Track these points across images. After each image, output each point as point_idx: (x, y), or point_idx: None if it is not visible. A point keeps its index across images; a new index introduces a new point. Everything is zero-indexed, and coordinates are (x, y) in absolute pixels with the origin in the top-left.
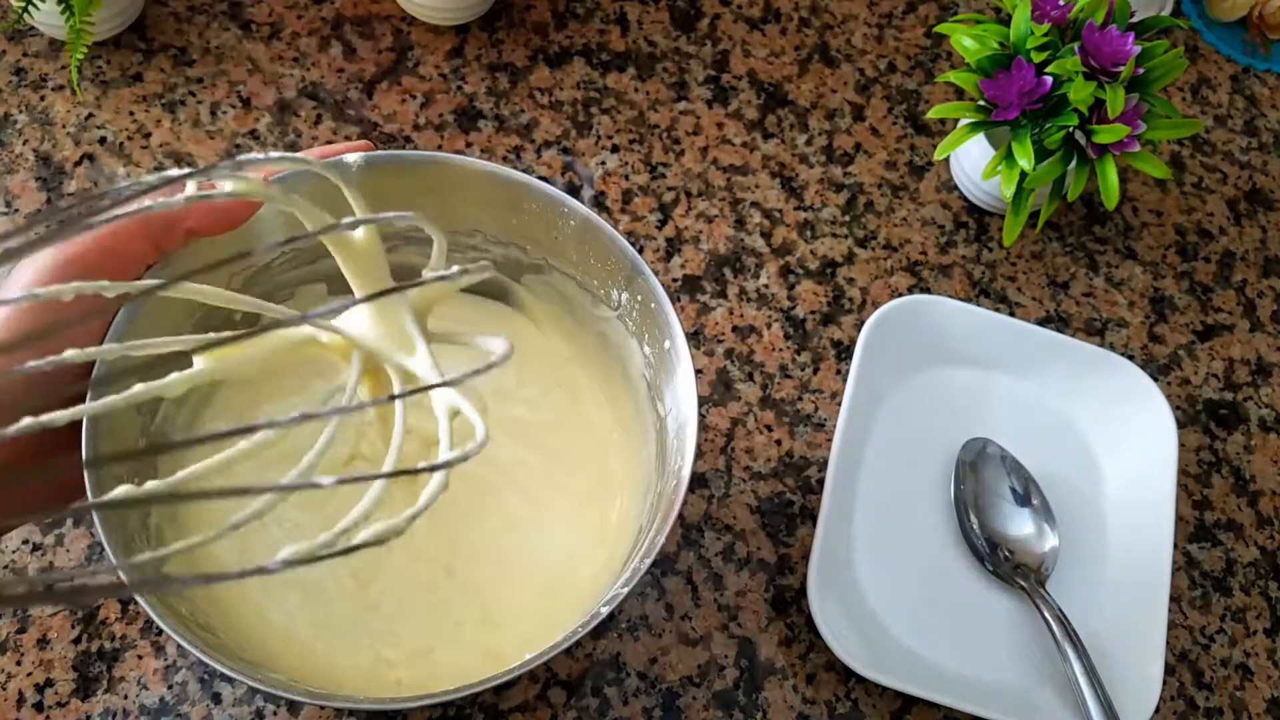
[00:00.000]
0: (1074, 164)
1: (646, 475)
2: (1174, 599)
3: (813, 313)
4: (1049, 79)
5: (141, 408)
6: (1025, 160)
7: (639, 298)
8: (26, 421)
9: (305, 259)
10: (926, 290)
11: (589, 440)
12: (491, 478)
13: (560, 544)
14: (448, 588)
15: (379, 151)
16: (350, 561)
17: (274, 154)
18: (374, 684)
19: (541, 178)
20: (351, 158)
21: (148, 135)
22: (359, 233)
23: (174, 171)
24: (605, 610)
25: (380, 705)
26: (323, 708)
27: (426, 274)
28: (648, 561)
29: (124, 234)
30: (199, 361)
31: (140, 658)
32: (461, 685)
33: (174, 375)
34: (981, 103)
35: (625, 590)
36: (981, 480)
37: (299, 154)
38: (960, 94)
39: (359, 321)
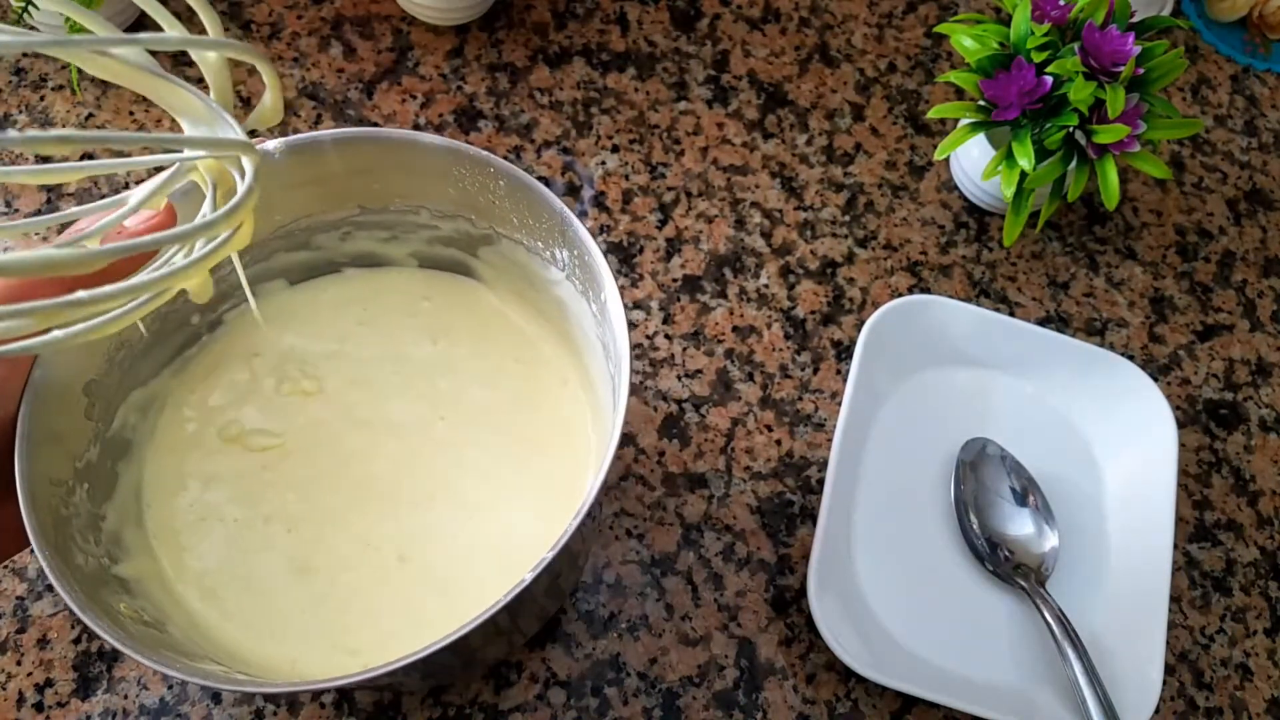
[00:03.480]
0: (1074, 164)
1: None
2: (1174, 599)
3: (813, 313)
4: (1049, 79)
5: (92, 410)
6: (1025, 160)
7: (576, 252)
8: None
9: (259, 256)
10: (926, 290)
11: (553, 415)
12: (442, 460)
13: (524, 525)
14: (400, 576)
15: (296, 135)
16: (290, 552)
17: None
18: (338, 671)
19: (541, 178)
20: (272, 144)
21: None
22: (131, 55)
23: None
24: (530, 576)
25: (329, 684)
26: (322, 705)
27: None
28: (575, 522)
29: (36, 285)
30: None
31: None
32: (413, 651)
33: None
34: (982, 103)
35: (552, 554)
36: (981, 480)
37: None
38: (960, 94)
39: (194, 129)
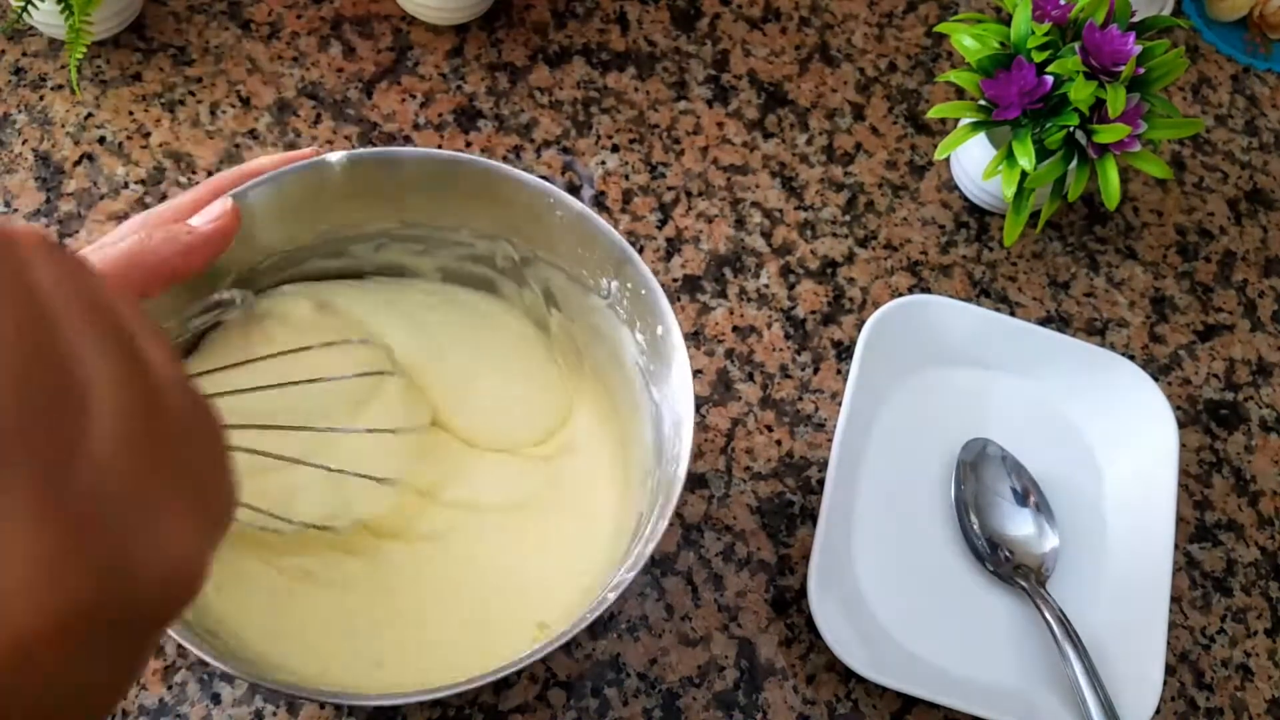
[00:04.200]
0: (1075, 164)
1: (644, 462)
2: (1174, 599)
3: (813, 313)
4: (1050, 78)
5: None
6: (1026, 160)
7: (629, 285)
8: None
9: (294, 260)
10: (927, 290)
11: (568, 436)
12: (459, 473)
13: (541, 543)
14: (418, 590)
15: (362, 149)
16: (309, 562)
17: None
18: (366, 685)
19: (541, 177)
20: (334, 156)
21: (147, 135)
22: None
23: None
24: (612, 596)
25: (377, 700)
26: (322, 705)
27: None
28: (651, 545)
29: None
30: None
31: None
32: (461, 679)
33: None
34: (982, 102)
35: (630, 575)
36: (982, 480)
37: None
38: (961, 93)
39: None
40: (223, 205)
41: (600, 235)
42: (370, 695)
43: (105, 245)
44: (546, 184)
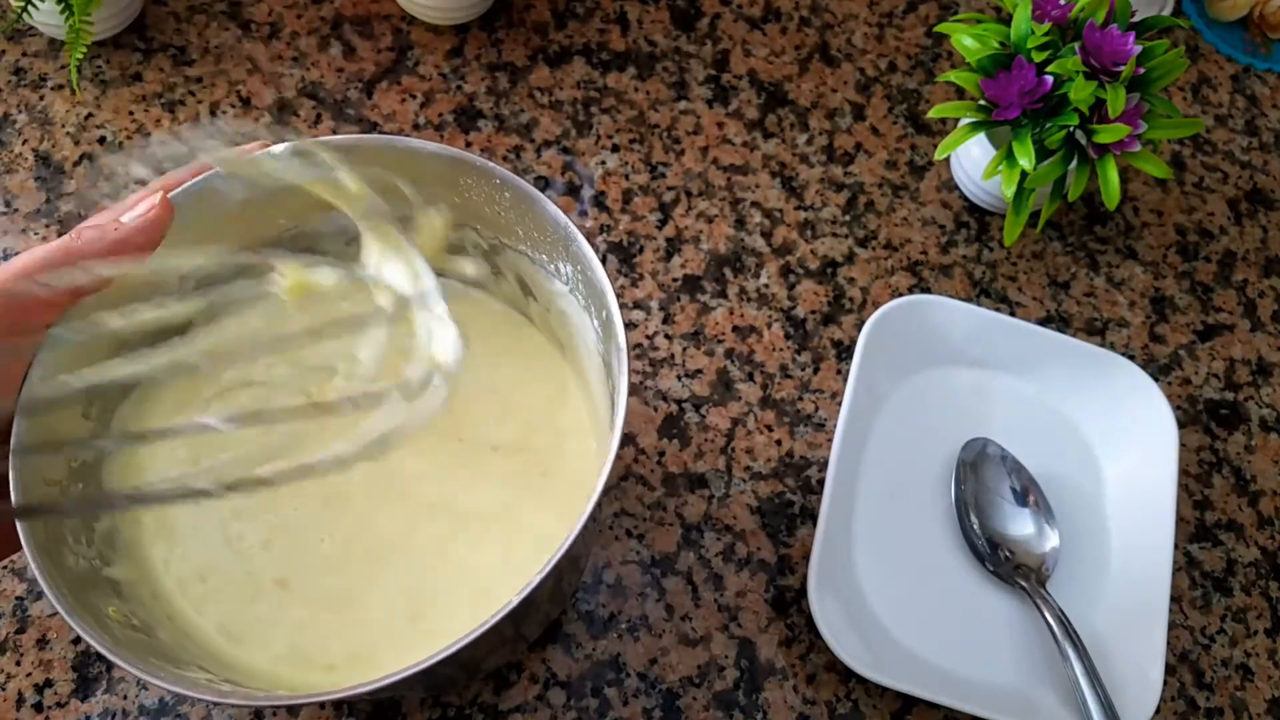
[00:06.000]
0: (1075, 164)
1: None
2: (1174, 599)
3: (813, 313)
4: (1050, 78)
5: (90, 410)
6: (1026, 160)
7: (579, 267)
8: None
9: (259, 254)
10: (927, 290)
11: (552, 424)
12: (431, 470)
13: (521, 533)
14: (385, 590)
15: (301, 141)
16: (271, 562)
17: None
18: (316, 683)
19: (541, 178)
20: (277, 149)
21: (147, 135)
22: (348, 181)
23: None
24: (537, 579)
25: (315, 698)
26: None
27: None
28: (569, 541)
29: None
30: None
31: None
32: (407, 666)
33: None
34: (982, 102)
35: (539, 578)
36: (982, 480)
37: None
38: (961, 93)
39: (376, 262)
40: (150, 201)
41: (545, 215)
42: (315, 695)
43: (36, 249)
44: (489, 164)
